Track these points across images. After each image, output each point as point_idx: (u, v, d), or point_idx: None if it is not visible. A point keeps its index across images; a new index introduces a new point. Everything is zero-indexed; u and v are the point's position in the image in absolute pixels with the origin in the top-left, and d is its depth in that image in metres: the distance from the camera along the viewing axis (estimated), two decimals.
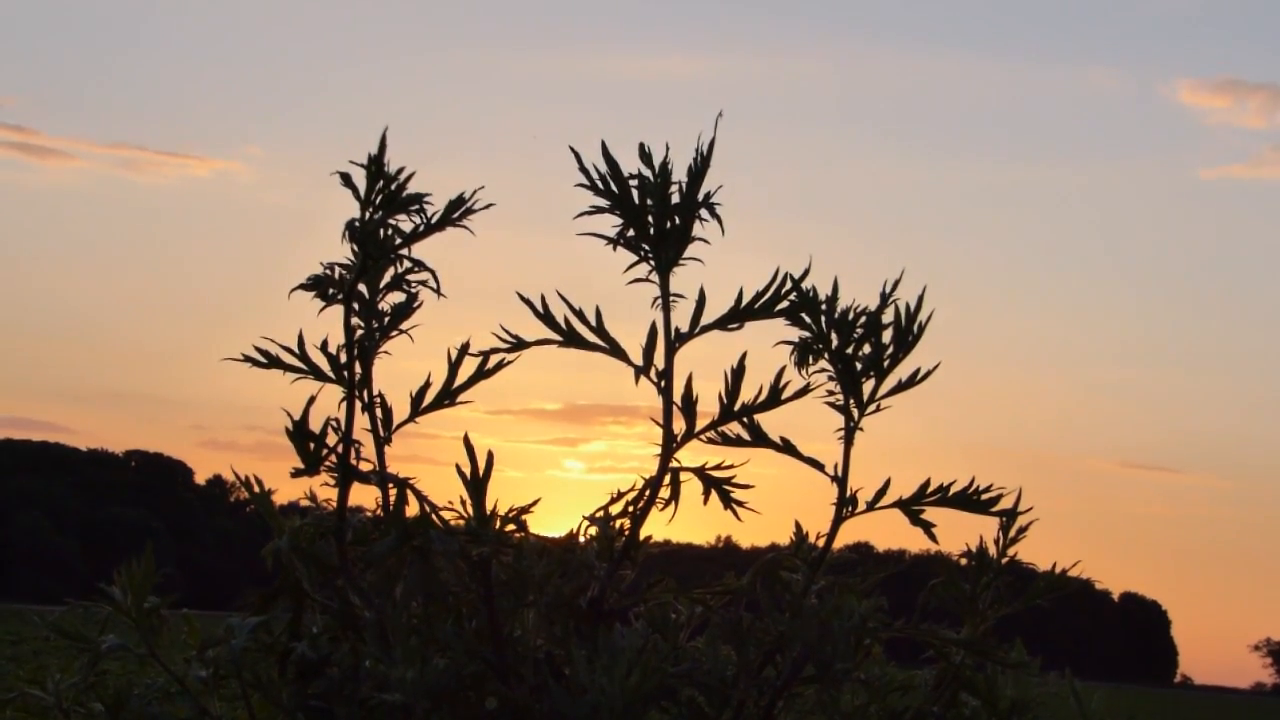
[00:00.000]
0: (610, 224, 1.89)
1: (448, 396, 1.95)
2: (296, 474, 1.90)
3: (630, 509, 1.92)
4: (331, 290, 1.90)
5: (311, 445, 1.88)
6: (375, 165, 1.88)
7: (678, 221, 1.88)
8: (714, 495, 1.91)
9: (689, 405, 1.89)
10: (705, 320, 1.88)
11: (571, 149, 1.87)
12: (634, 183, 1.88)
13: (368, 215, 1.89)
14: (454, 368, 1.95)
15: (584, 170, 1.88)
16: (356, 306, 1.92)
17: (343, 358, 1.90)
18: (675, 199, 1.88)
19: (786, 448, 1.93)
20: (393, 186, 1.88)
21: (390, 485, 1.92)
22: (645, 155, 1.88)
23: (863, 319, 1.92)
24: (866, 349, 1.93)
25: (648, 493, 1.91)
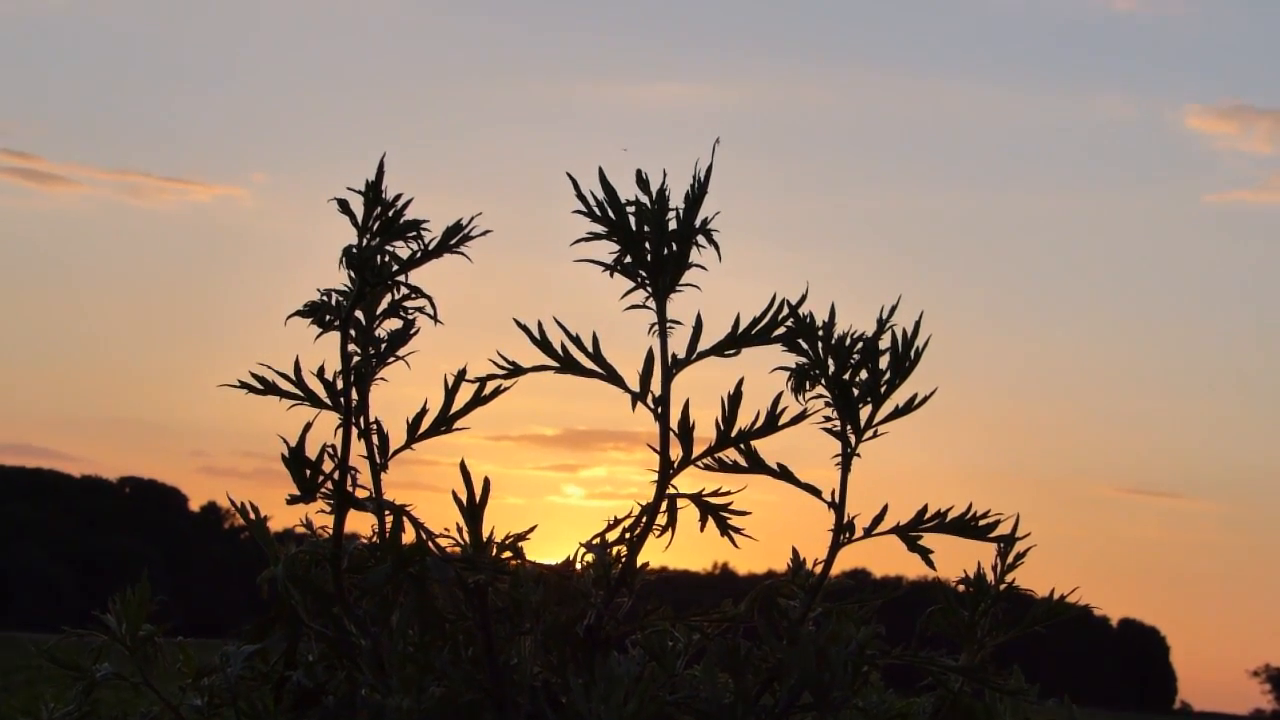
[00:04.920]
0: (607, 250, 1.90)
1: (444, 423, 1.95)
2: (293, 500, 1.90)
3: (627, 535, 1.92)
4: (328, 317, 1.90)
5: (308, 472, 1.88)
6: (373, 192, 1.88)
7: (675, 248, 1.89)
8: (711, 522, 1.92)
9: (686, 431, 1.89)
10: (702, 346, 1.89)
11: (569, 175, 1.88)
12: (631, 209, 1.89)
13: (365, 242, 1.89)
14: (451, 394, 1.95)
15: (581, 197, 1.89)
16: (353, 333, 1.92)
17: (339, 384, 1.90)
18: (672, 225, 1.89)
19: (783, 474, 1.93)
20: (390, 213, 1.88)
21: (387, 512, 1.92)
22: (642, 182, 1.89)
23: (859, 345, 1.93)
24: (863, 375, 1.93)
25: (645, 519, 1.91)
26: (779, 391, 1.90)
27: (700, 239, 1.89)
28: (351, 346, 1.92)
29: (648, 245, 1.89)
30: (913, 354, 1.93)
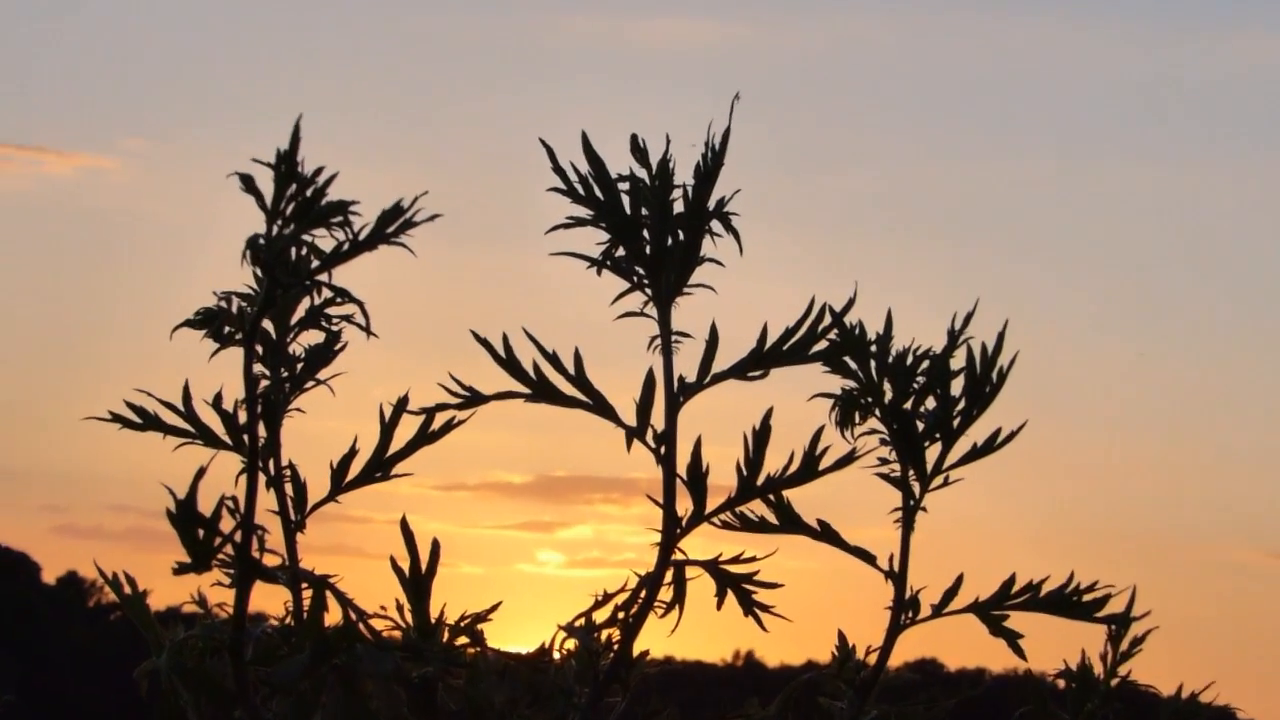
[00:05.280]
0: (594, 240, 1.91)
1: (380, 468, 1.96)
2: (181, 570, 1.88)
3: (621, 615, 1.93)
4: (227, 328, 1.90)
5: (200, 532, 1.87)
6: (285, 164, 1.86)
7: (682, 237, 1.90)
8: (731, 597, 1.92)
9: (697, 478, 1.90)
10: (718, 367, 1.90)
11: (541, 141, 1.88)
12: (624, 186, 1.89)
13: (275, 230, 1.87)
14: (388, 429, 1.96)
15: (558, 170, 1.89)
16: (260, 349, 1.92)
17: (242, 417, 1.89)
18: (679, 207, 1.89)
19: (825, 534, 1.94)
20: (309, 192, 1.86)
21: (304, 585, 1.93)
22: (639, 150, 1.89)
23: (925, 364, 1.94)
24: (930, 403, 1.95)
25: (644, 594, 1.91)
26: (819, 426, 1.91)
27: (715, 225, 1.90)
28: (258, 367, 1.90)
29: (646, 233, 1.90)
30: (995, 375, 1.93)
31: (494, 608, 1.93)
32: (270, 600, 1.94)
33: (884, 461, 1.96)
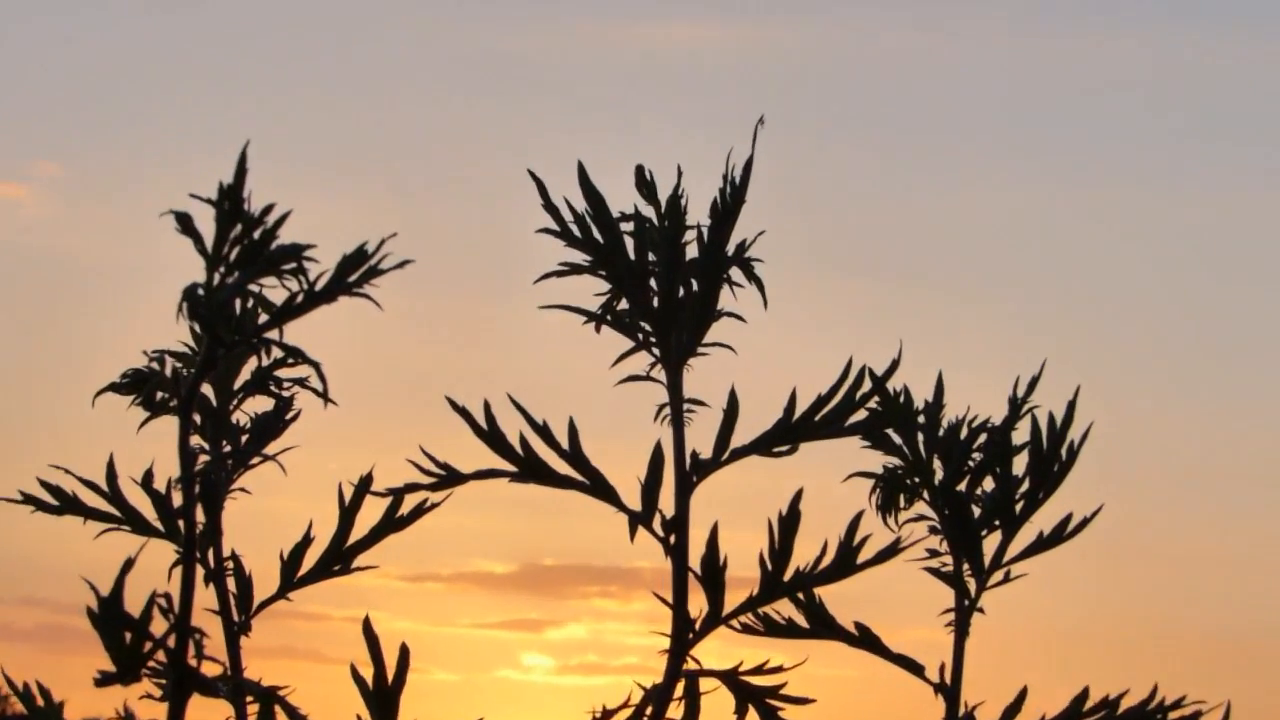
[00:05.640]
0: (591, 291, 1.89)
1: (339, 559, 1.94)
2: (104, 681, 1.84)
3: None
4: (160, 394, 1.88)
5: (127, 635, 1.83)
6: (229, 201, 1.83)
7: (696, 287, 1.87)
8: (753, 714, 1.89)
9: (713, 572, 1.87)
10: (739, 440, 1.87)
11: (530, 173, 1.86)
12: (628, 227, 1.87)
13: (217, 278, 1.82)
14: (349, 513, 1.93)
15: (550, 207, 1.86)
16: (199, 419, 1.92)
17: (176, 498, 1.88)
18: (692, 252, 1.87)
19: (864, 639, 1.91)
20: (256, 233, 1.83)
21: (249, 698, 1.90)
22: (646, 183, 1.87)
23: (982, 438, 1.92)
24: (989, 484, 1.93)
25: (650, 709, 1.88)
26: (858, 511, 1.88)
27: (735, 273, 1.87)
28: (196, 440, 1.92)
29: (654, 283, 1.88)
30: (1065, 451, 1.91)
31: None
32: (210, 716, 1.92)
33: (934, 553, 1.93)
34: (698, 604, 1.87)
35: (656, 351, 1.88)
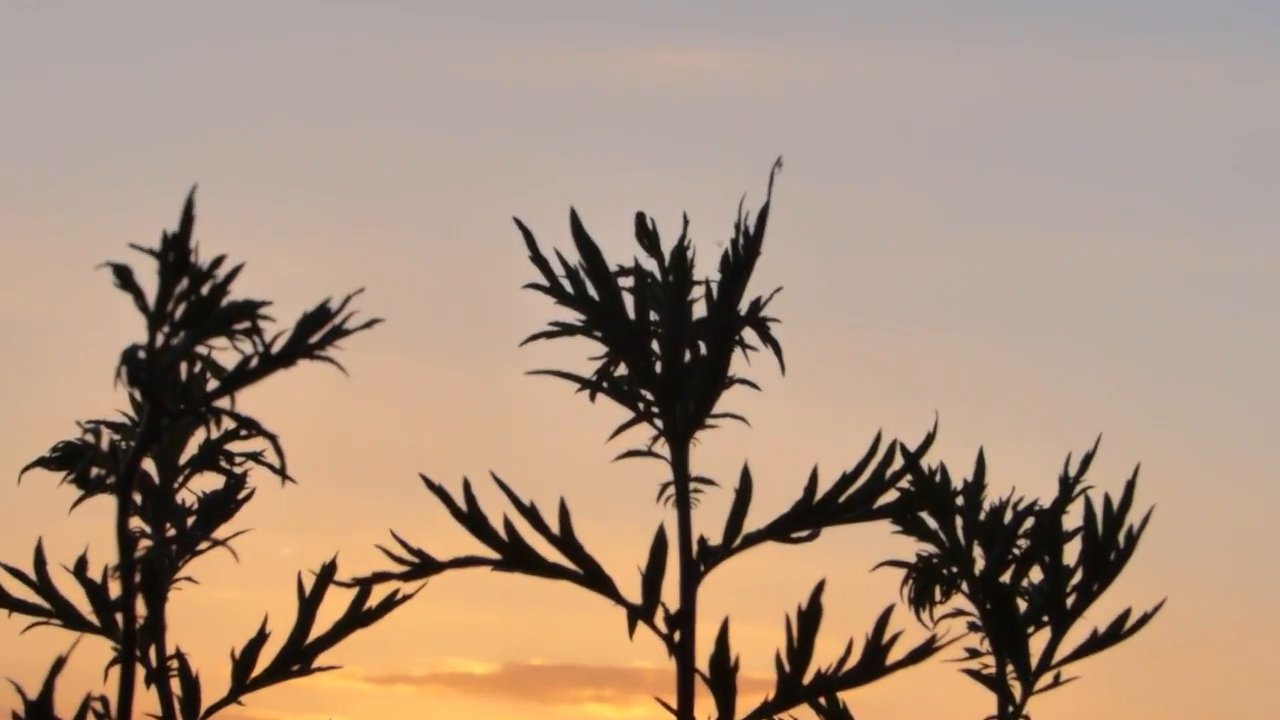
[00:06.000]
0: (586, 354, 1.88)
1: (298, 658, 1.93)
2: None
3: None
4: (96, 470, 1.86)
5: None
6: (175, 251, 1.81)
7: (704, 351, 1.86)
8: None
9: (723, 673, 1.85)
10: (753, 524, 1.85)
11: (516, 221, 1.86)
12: (627, 282, 1.87)
13: (161, 338, 1.80)
14: (309, 606, 1.93)
15: (538, 259, 1.86)
16: (139, 498, 1.92)
17: (114, 589, 1.88)
18: (700, 310, 1.87)
19: None
20: (205, 288, 1.81)
21: None
22: (647, 233, 1.86)
23: (1029, 522, 1.92)
24: (1036, 575, 1.92)
25: None
26: (888, 605, 1.85)
27: (749, 334, 1.87)
28: (137, 522, 1.92)
29: (656, 346, 1.87)
30: (1123, 539, 1.90)
31: None
32: None
33: (973, 653, 1.92)
34: (705, 710, 1.86)
35: (659, 423, 1.87)
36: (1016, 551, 1.91)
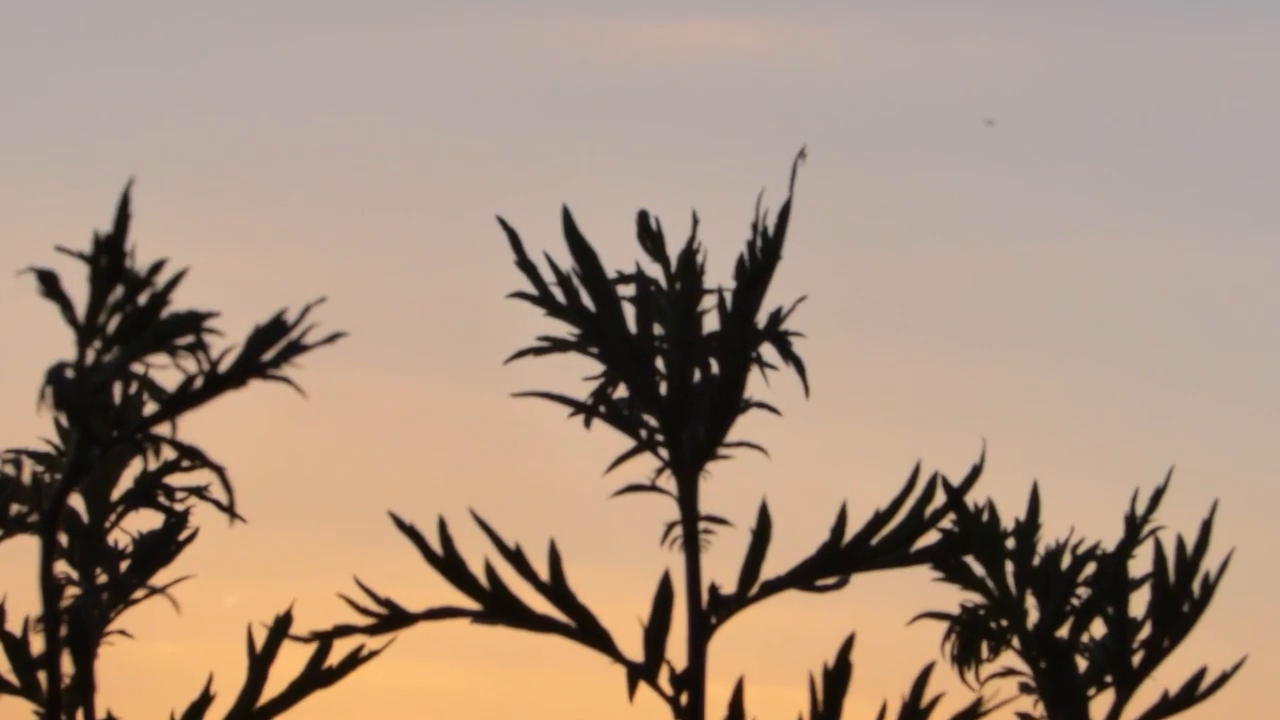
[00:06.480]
0: (580, 373, 1.88)
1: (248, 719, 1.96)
2: None
3: None
4: (16, 508, 1.86)
5: None
6: (109, 255, 1.82)
7: (716, 370, 1.87)
8: None
9: None
10: (772, 570, 1.85)
11: (500, 221, 1.86)
12: (627, 290, 1.87)
13: (92, 355, 1.79)
14: (261, 663, 1.94)
15: (525, 264, 1.86)
16: (66, 539, 1.93)
17: (36, 643, 1.87)
18: (712, 323, 1.87)
19: None
20: (143, 297, 1.80)
21: None
22: (651, 234, 1.87)
23: (1090, 567, 1.92)
24: (1098, 629, 1.92)
25: None
26: (928, 664, 1.86)
27: (768, 350, 1.87)
28: (63, 567, 1.94)
29: (661, 364, 1.87)
30: (1198, 587, 1.90)
31: None
32: None
33: (1026, 718, 1.92)
34: None
35: (664, 453, 1.87)
36: (1075, 602, 1.91)
